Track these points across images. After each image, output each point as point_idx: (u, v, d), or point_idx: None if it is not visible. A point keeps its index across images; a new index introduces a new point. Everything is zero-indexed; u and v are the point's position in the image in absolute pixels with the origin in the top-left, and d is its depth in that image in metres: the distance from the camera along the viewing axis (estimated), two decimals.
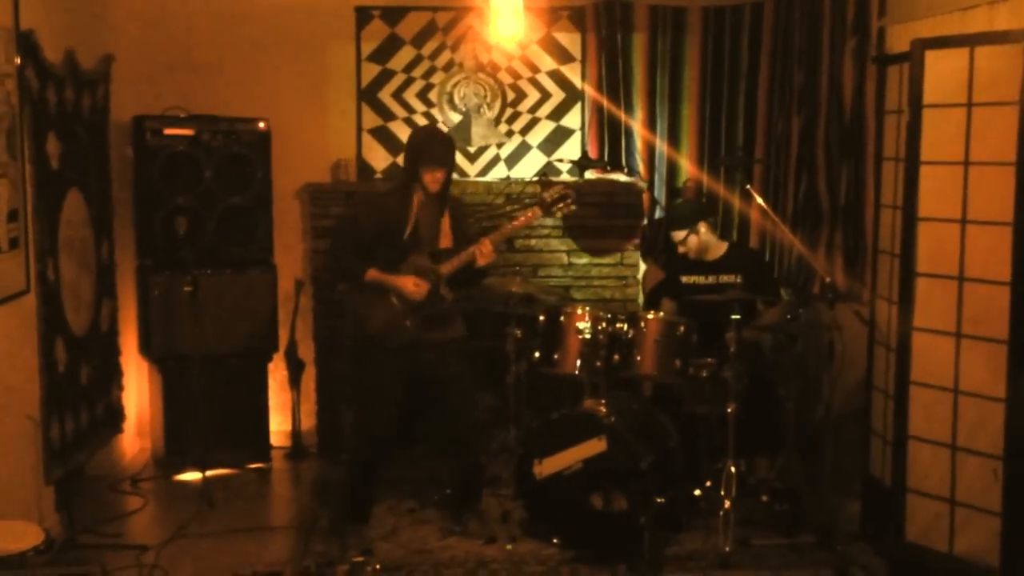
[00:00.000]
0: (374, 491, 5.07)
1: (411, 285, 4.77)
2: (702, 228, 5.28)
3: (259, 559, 4.51)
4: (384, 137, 6.13)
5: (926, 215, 3.95)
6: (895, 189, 4.44)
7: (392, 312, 4.80)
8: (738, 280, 5.17)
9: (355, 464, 5.08)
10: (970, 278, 3.82)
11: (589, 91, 6.12)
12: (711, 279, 5.24)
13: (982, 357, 3.77)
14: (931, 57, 3.94)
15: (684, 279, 5.33)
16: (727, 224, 5.99)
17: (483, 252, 4.77)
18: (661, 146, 6.06)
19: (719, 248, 5.34)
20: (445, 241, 4.87)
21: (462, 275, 4.86)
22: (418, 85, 6.14)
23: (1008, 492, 3.69)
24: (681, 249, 5.33)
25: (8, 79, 4.36)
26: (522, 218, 4.96)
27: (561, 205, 4.86)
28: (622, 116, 6.06)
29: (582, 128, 6.18)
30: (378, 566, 4.22)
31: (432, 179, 4.76)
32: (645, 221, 6.10)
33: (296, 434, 6.05)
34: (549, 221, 6.02)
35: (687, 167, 6.05)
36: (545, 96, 6.18)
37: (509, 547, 4.69)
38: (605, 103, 6.06)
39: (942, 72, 3.89)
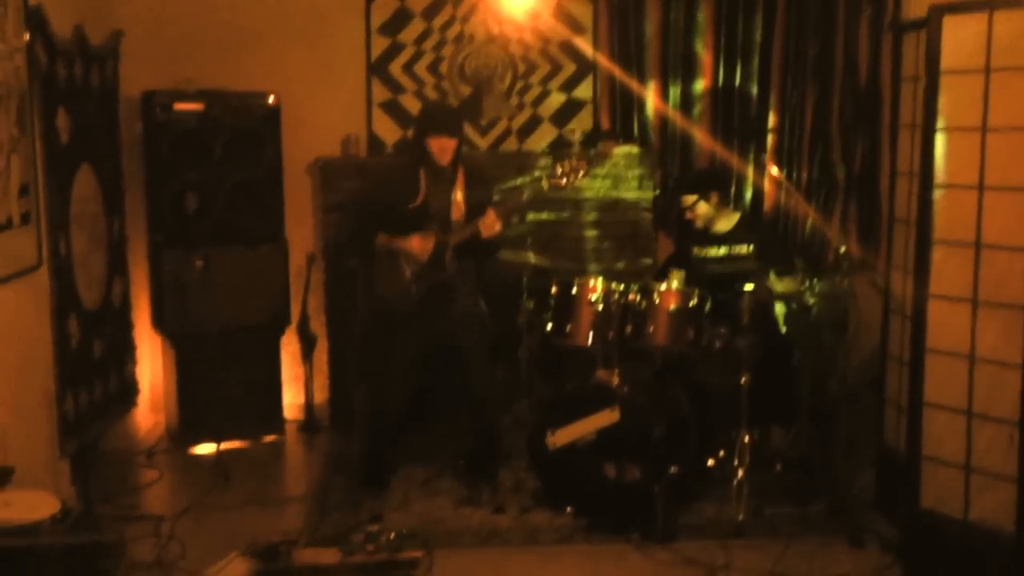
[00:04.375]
0: (390, 460, 5.08)
1: (417, 242, 4.78)
2: (713, 198, 5.24)
3: (274, 529, 4.52)
4: (394, 111, 6.10)
5: (943, 182, 3.92)
6: (911, 157, 4.41)
7: (402, 279, 4.82)
8: (750, 251, 5.14)
9: (369, 434, 5.09)
10: (987, 244, 3.79)
11: (601, 62, 6.08)
12: (723, 251, 5.22)
13: (999, 323, 3.75)
14: (949, 23, 3.89)
15: (696, 251, 5.30)
16: (740, 195, 5.95)
17: (487, 224, 4.76)
18: (674, 117, 6.02)
19: (730, 219, 5.31)
20: (457, 214, 4.87)
21: (470, 247, 4.85)
22: (428, 58, 6.11)
23: None
24: (688, 215, 5.28)
25: (17, 54, 4.35)
26: (529, 191, 4.94)
27: (571, 175, 4.84)
28: (634, 87, 6.02)
29: (594, 100, 6.15)
30: (393, 535, 4.24)
31: (440, 148, 4.75)
32: (657, 192, 6.07)
33: (309, 407, 6.07)
34: (562, 193, 6.00)
35: (700, 138, 6.00)
36: (556, 68, 6.15)
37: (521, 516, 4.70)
38: (617, 74, 6.02)
39: (960, 37, 3.85)
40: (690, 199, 5.24)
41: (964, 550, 3.82)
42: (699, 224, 5.27)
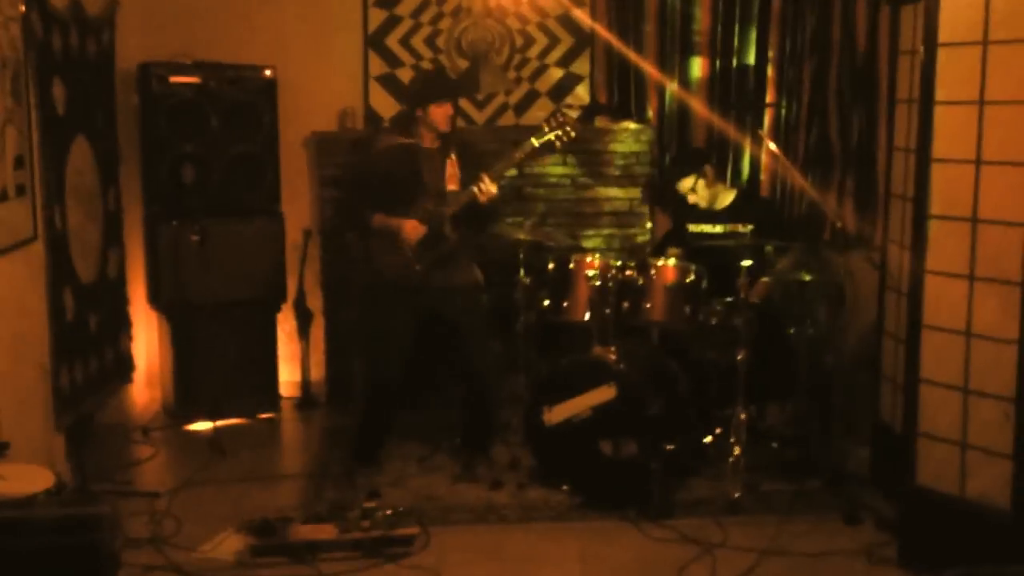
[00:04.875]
0: (383, 436, 5.08)
1: (408, 228, 4.77)
2: (709, 172, 5.23)
3: (270, 506, 4.53)
4: (391, 84, 6.06)
5: (940, 156, 3.89)
6: (908, 131, 4.39)
7: (402, 255, 4.80)
8: (748, 229, 5.13)
9: (365, 408, 5.09)
10: (984, 219, 3.77)
11: (598, 36, 6.03)
12: (719, 228, 5.20)
13: (995, 299, 3.73)
14: None
15: (692, 228, 5.29)
16: (737, 170, 5.93)
17: (483, 189, 4.73)
18: (671, 92, 5.99)
19: (727, 196, 5.29)
20: (452, 183, 4.85)
21: (468, 216, 4.84)
22: (425, 31, 6.07)
23: (1020, 434, 3.66)
24: (692, 199, 5.28)
25: (12, 23, 4.31)
26: (519, 151, 4.89)
27: (560, 133, 4.79)
28: (632, 62, 5.98)
29: (591, 75, 6.11)
30: (389, 511, 4.24)
31: (443, 114, 4.76)
32: (654, 169, 6.05)
33: (306, 384, 6.07)
34: (559, 169, 6.00)
35: (698, 113, 5.97)
36: (554, 42, 6.11)
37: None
38: (615, 48, 5.98)
39: (957, 9, 3.82)
40: (688, 182, 5.23)
41: (960, 526, 3.82)
42: (702, 205, 5.26)
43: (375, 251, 4.88)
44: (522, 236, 5.06)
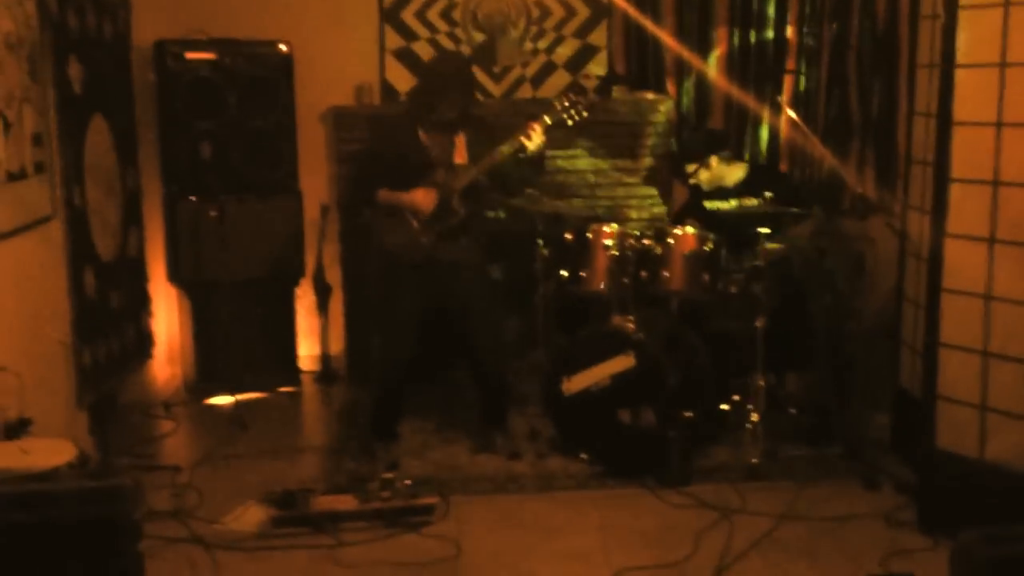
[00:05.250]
0: (399, 409, 5.09)
1: (420, 195, 4.76)
2: (713, 162, 5.21)
3: (291, 478, 4.56)
4: (407, 58, 6.05)
5: (961, 119, 3.86)
6: (929, 97, 4.34)
7: (409, 230, 4.80)
8: (759, 203, 5.10)
9: (379, 382, 5.11)
10: (1005, 182, 3.74)
11: (616, 6, 5.98)
12: (732, 203, 5.17)
13: (1016, 262, 3.70)
14: None
15: (707, 203, 5.26)
16: (756, 140, 5.88)
17: (531, 135, 4.66)
18: (690, 61, 5.94)
19: (737, 172, 5.26)
20: (460, 157, 4.83)
21: (477, 191, 4.83)
22: (441, 4, 6.04)
23: None
24: (692, 181, 5.27)
25: (27, 2, 4.32)
26: (531, 129, 4.87)
27: (573, 111, 4.77)
28: (650, 32, 5.93)
29: (608, 45, 6.07)
30: (409, 481, 4.26)
31: (447, 109, 4.75)
32: (672, 140, 6.02)
33: (325, 358, 6.09)
34: (576, 140, 5.96)
35: (716, 83, 5.92)
36: (571, 13, 6.07)
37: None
38: (632, 18, 5.93)
39: None
40: (690, 168, 5.22)
41: (979, 489, 3.80)
42: (705, 188, 5.24)
43: (381, 230, 4.87)
44: (540, 207, 5.05)
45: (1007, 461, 3.76)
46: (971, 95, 3.84)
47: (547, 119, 4.73)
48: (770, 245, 4.68)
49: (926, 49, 4.47)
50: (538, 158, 4.80)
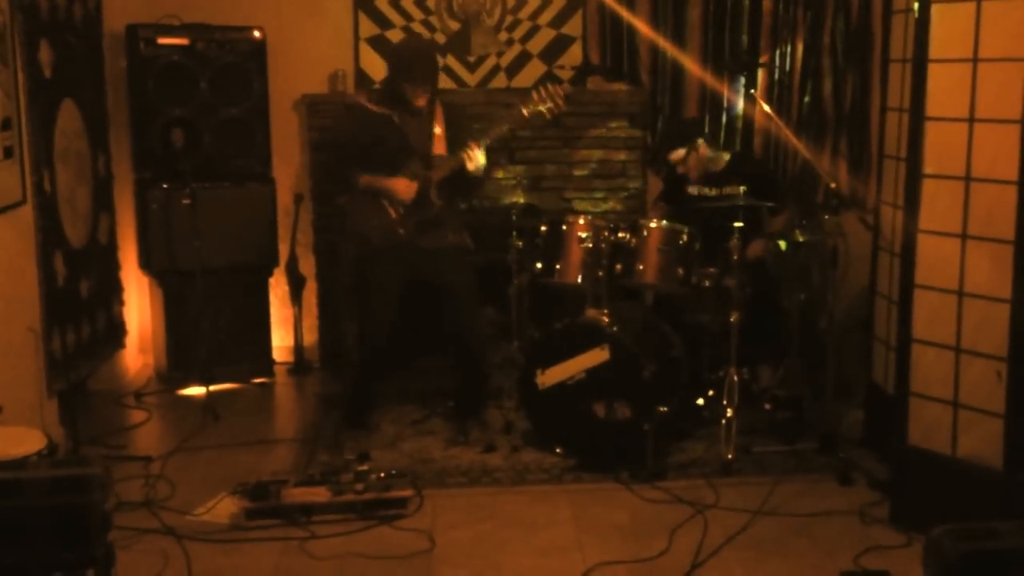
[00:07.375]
0: (373, 400, 5.07)
1: (402, 185, 4.75)
2: (701, 145, 5.20)
3: (263, 469, 4.53)
4: (382, 46, 6.00)
5: (933, 114, 3.87)
6: (902, 91, 4.36)
7: (386, 217, 4.79)
8: (742, 190, 5.11)
9: (355, 371, 5.09)
10: (977, 178, 3.75)
11: None
12: (714, 191, 5.18)
13: (988, 258, 3.72)
14: None
15: (689, 190, 5.26)
16: (731, 132, 5.89)
17: (471, 156, 4.74)
18: (665, 52, 5.93)
19: (720, 159, 5.26)
20: (439, 148, 4.82)
21: (454, 182, 4.82)
22: None
23: (1012, 393, 3.66)
24: (681, 169, 5.25)
25: None
26: (507, 122, 4.88)
27: (550, 103, 4.78)
28: (624, 22, 5.92)
29: (584, 35, 6.05)
30: (382, 473, 4.24)
31: (415, 96, 4.74)
32: (647, 131, 6.02)
33: (298, 349, 6.05)
34: (551, 131, 5.95)
35: (691, 73, 5.91)
36: (546, 2, 6.04)
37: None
38: (607, 8, 5.92)
39: None
40: (680, 153, 5.19)
41: (952, 486, 3.82)
42: (693, 176, 5.22)
43: (358, 214, 4.86)
44: (514, 199, 5.04)
45: (979, 457, 3.78)
46: (944, 90, 3.85)
47: (524, 112, 4.74)
48: (751, 249, 4.70)
49: (899, 43, 4.49)
50: (475, 178, 4.84)
